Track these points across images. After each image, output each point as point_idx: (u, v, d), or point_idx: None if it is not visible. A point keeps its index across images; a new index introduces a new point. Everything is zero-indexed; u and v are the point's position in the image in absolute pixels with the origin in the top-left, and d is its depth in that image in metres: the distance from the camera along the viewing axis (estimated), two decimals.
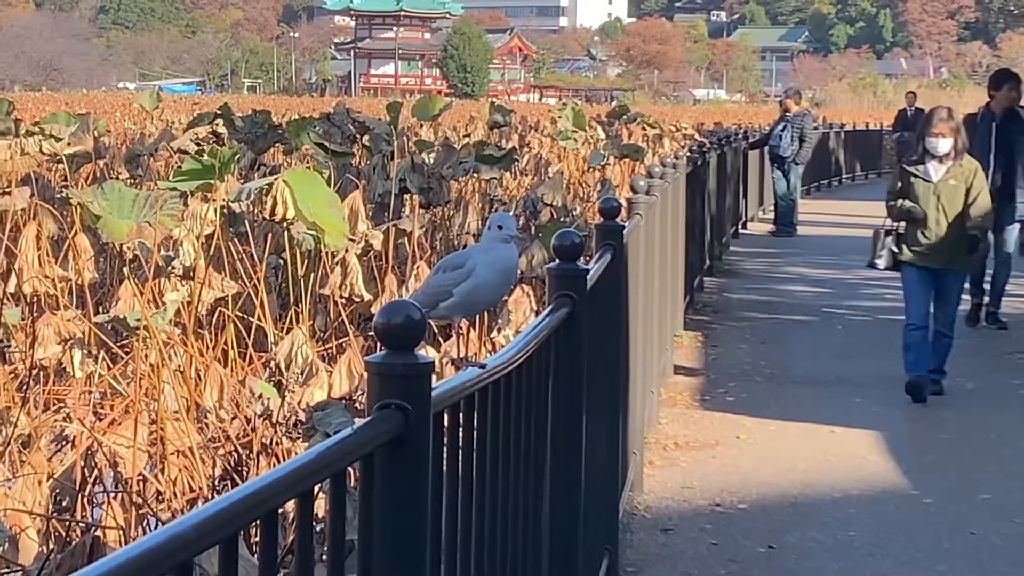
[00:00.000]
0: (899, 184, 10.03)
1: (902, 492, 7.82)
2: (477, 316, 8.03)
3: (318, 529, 3.76)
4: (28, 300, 9.10)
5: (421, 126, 24.95)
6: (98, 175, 14.55)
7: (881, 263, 10.11)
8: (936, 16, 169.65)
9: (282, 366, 7.16)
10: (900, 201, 9.94)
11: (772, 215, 23.06)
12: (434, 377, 2.68)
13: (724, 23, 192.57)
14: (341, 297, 9.16)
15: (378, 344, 2.62)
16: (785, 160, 21.86)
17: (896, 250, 10.00)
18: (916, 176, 9.89)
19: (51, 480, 6.08)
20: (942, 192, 9.83)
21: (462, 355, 5.89)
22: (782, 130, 21.97)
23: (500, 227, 3.86)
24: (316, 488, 2.33)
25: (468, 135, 25.44)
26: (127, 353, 7.79)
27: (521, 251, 8.87)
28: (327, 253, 9.48)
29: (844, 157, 34.71)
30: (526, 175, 20.05)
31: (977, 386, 10.53)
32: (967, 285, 11.63)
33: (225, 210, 9.85)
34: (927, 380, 9.92)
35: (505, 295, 7.35)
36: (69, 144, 14.05)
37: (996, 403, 10.05)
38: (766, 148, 22.84)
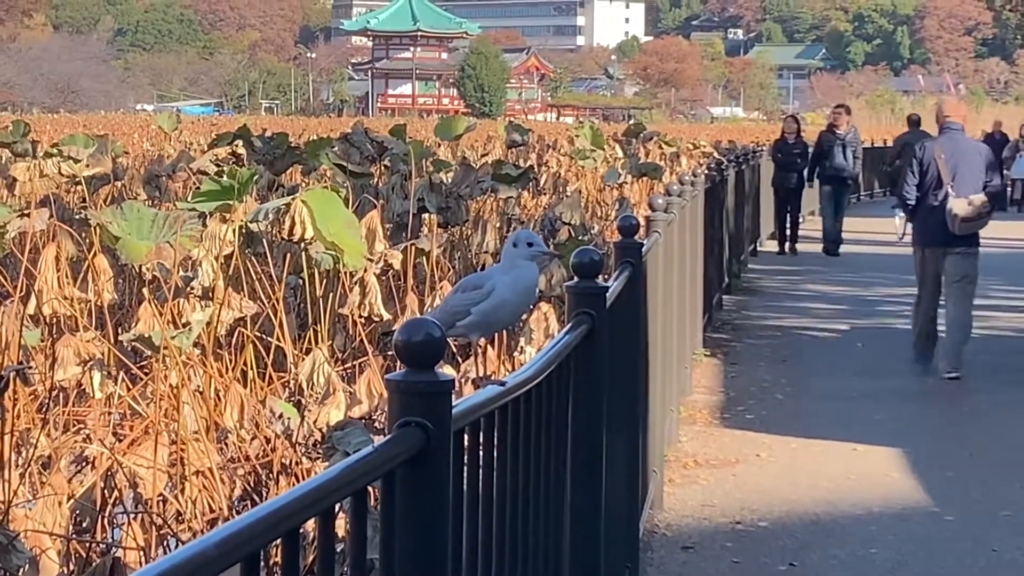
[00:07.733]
0: None
1: (924, 509, 7.79)
2: (496, 335, 8.03)
3: (339, 548, 3.76)
4: (48, 321, 9.11)
5: (439, 145, 24.98)
6: (116, 196, 14.57)
7: None
8: (953, 33, 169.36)
9: (304, 386, 7.16)
10: None
11: (817, 234, 22.18)
12: (454, 396, 2.67)
13: (741, 41, 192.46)
14: (360, 317, 9.15)
15: (398, 363, 2.61)
16: (850, 183, 21.25)
17: None
18: None
19: (71, 501, 6.09)
20: None
21: (482, 374, 5.88)
22: (842, 152, 21.15)
23: (530, 244, 3.78)
24: (337, 507, 2.33)
25: (486, 154, 25.42)
26: (147, 374, 7.79)
27: (542, 269, 8.86)
28: (346, 273, 9.48)
29: (862, 174, 34.65)
30: (544, 194, 20.04)
31: (997, 403, 10.49)
32: None
33: (244, 230, 9.85)
34: None
35: (524, 314, 7.34)
36: (87, 166, 14.10)
37: (1017, 420, 10.02)
38: (814, 170, 21.76)
